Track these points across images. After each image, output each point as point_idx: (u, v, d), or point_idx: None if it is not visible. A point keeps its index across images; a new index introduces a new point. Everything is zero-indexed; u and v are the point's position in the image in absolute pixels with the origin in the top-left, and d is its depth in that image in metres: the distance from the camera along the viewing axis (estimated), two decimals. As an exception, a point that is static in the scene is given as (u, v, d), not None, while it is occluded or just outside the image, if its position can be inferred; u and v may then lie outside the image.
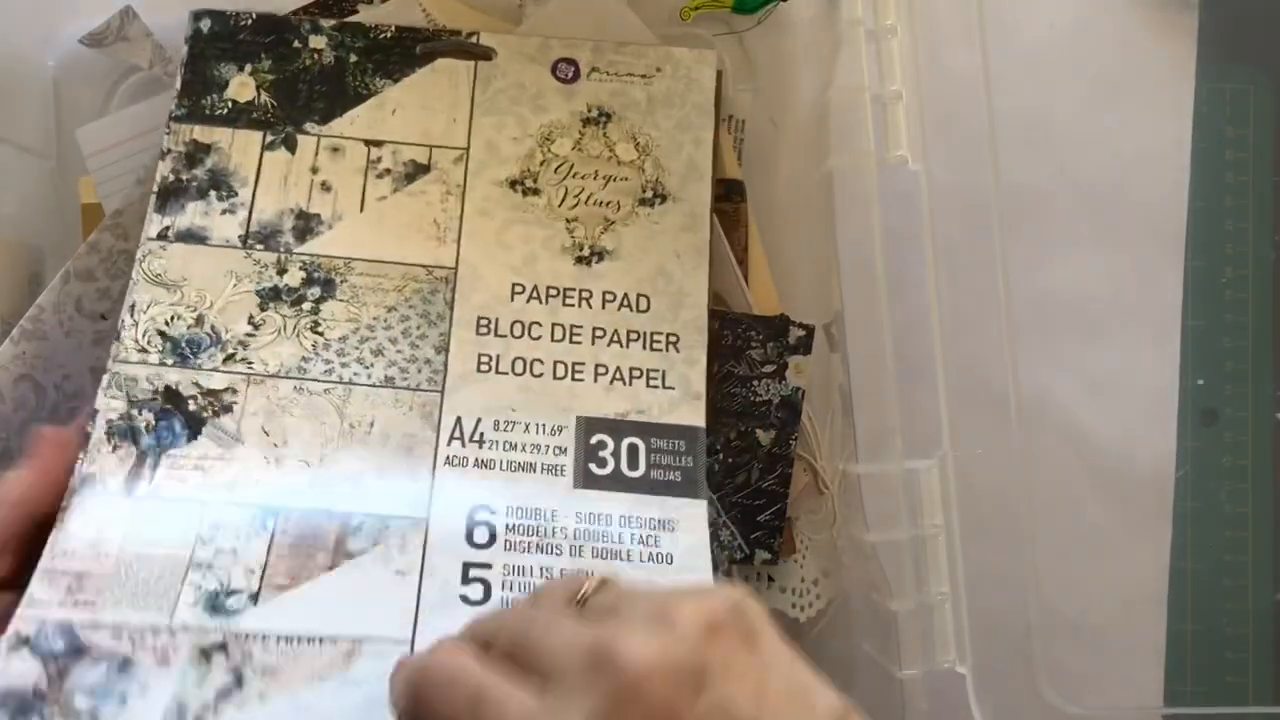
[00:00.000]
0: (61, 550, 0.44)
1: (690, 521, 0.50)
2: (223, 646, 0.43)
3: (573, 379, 0.52)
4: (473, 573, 0.47)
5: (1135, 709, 0.60)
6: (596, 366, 0.52)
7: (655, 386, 0.52)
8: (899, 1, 0.54)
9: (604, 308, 0.53)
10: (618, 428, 0.51)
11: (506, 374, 0.52)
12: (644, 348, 0.53)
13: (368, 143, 0.54)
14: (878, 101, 0.54)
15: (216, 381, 0.50)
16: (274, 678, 0.42)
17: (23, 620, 0.42)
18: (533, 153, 0.55)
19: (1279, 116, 0.61)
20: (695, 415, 0.52)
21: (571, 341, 0.53)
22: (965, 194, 0.57)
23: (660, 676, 0.32)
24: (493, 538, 0.48)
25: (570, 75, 0.56)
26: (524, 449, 0.51)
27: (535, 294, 0.53)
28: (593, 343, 0.53)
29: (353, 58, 0.55)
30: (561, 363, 0.52)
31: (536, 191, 0.55)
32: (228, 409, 0.49)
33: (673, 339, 0.53)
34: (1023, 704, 0.57)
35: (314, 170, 0.54)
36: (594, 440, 0.51)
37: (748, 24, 0.59)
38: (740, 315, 0.55)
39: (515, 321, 0.53)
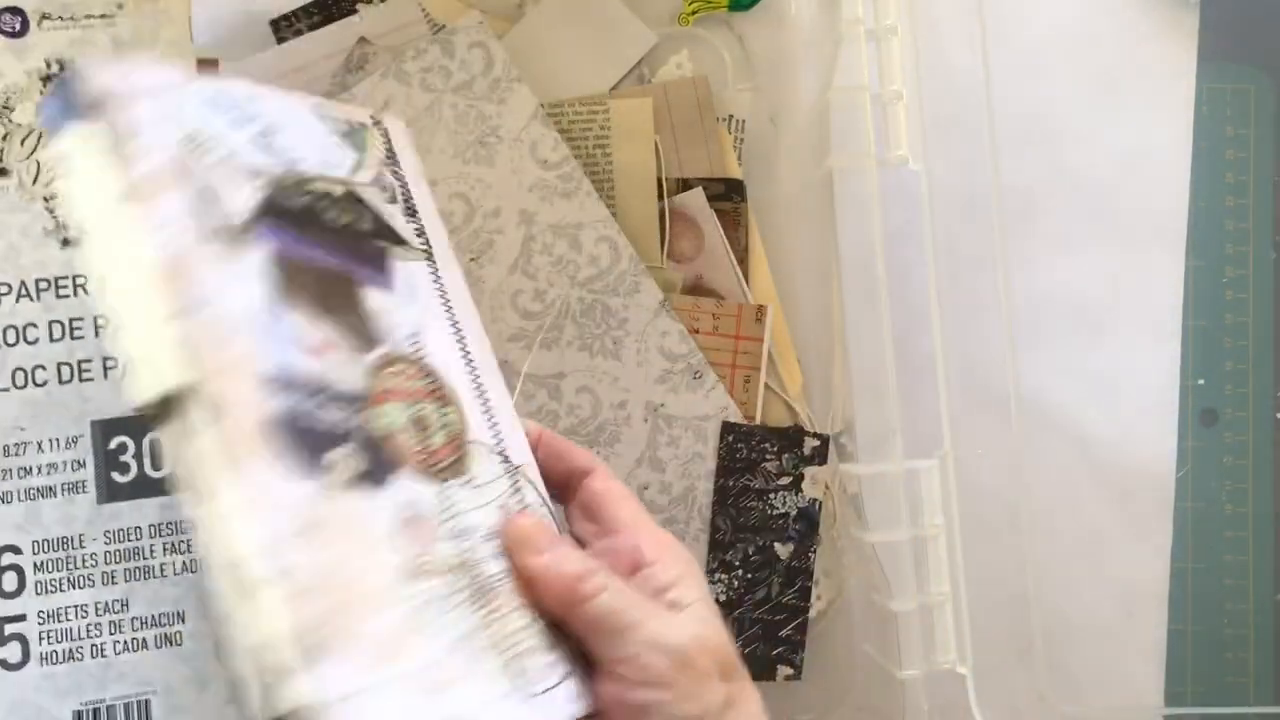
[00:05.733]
0: None
1: None
2: None
3: (80, 380, 0.47)
4: (8, 629, 0.44)
5: (1135, 709, 0.60)
6: (105, 360, 0.47)
7: None
8: (899, 1, 0.54)
9: None
10: (138, 424, 0.47)
11: (8, 389, 0.47)
12: None
13: None
14: (878, 101, 0.54)
15: None
16: None
17: None
18: None
19: (1279, 116, 0.61)
20: None
21: (73, 338, 0.48)
22: (965, 194, 0.57)
23: None
24: (21, 583, 0.45)
25: (17, 28, 0.49)
26: (39, 471, 0.46)
27: (25, 291, 0.48)
28: (97, 335, 0.48)
29: None
30: (66, 364, 0.47)
31: (4, 172, 0.49)
32: None
33: None
34: (1023, 704, 0.57)
35: None
36: (113, 445, 0.47)
37: (749, 18, 0.59)
38: (753, 427, 0.55)
39: (7, 328, 0.47)
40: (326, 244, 0.37)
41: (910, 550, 0.53)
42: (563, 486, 0.41)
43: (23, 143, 0.49)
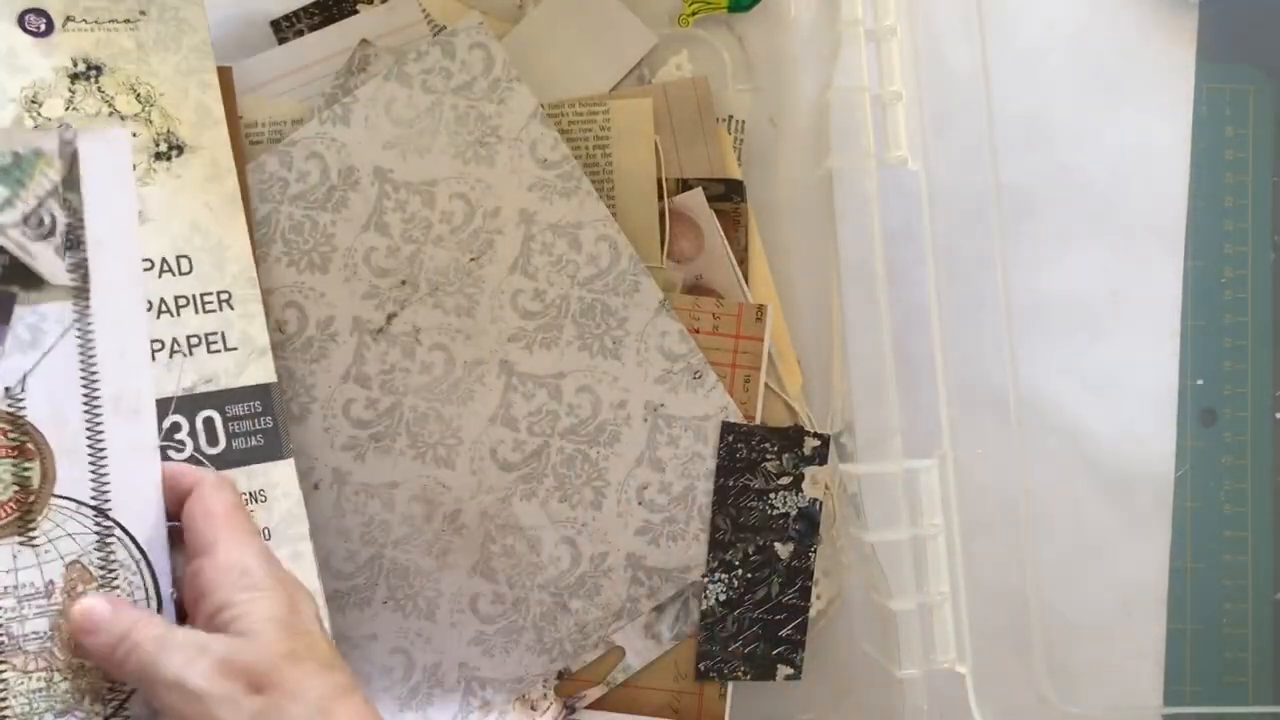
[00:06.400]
0: None
1: (282, 486, 0.49)
2: None
3: None
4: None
5: (1135, 708, 0.60)
6: (151, 343, 0.48)
7: (218, 350, 0.50)
8: (899, 1, 0.54)
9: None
10: (189, 404, 0.49)
11: None
12: (196, 312, 0.50)
13: None
14: (878, 101, 0.54)
15: None
16: None
17: None
18: (20, 120, 0.50)
19: (1278, 116, 0.61)
20: (265, 372, 0.50)
21: None
22: (965, 194, 0.57)
23: None
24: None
25: (42, 28, 0.50)
26: None
27: None
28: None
29: None
30: None
31: None
32: None
33: (225, 296, 0.51)
34: (1023, 704, 0.57)
35: None
36: (167, 424, 0.48)
37: (749, 19, 0.59)
38: (753, 427, 0.55)
39: None
40: None
41: (910, 550, 0.53)
42: (180, 510, 0.44)
43: None
